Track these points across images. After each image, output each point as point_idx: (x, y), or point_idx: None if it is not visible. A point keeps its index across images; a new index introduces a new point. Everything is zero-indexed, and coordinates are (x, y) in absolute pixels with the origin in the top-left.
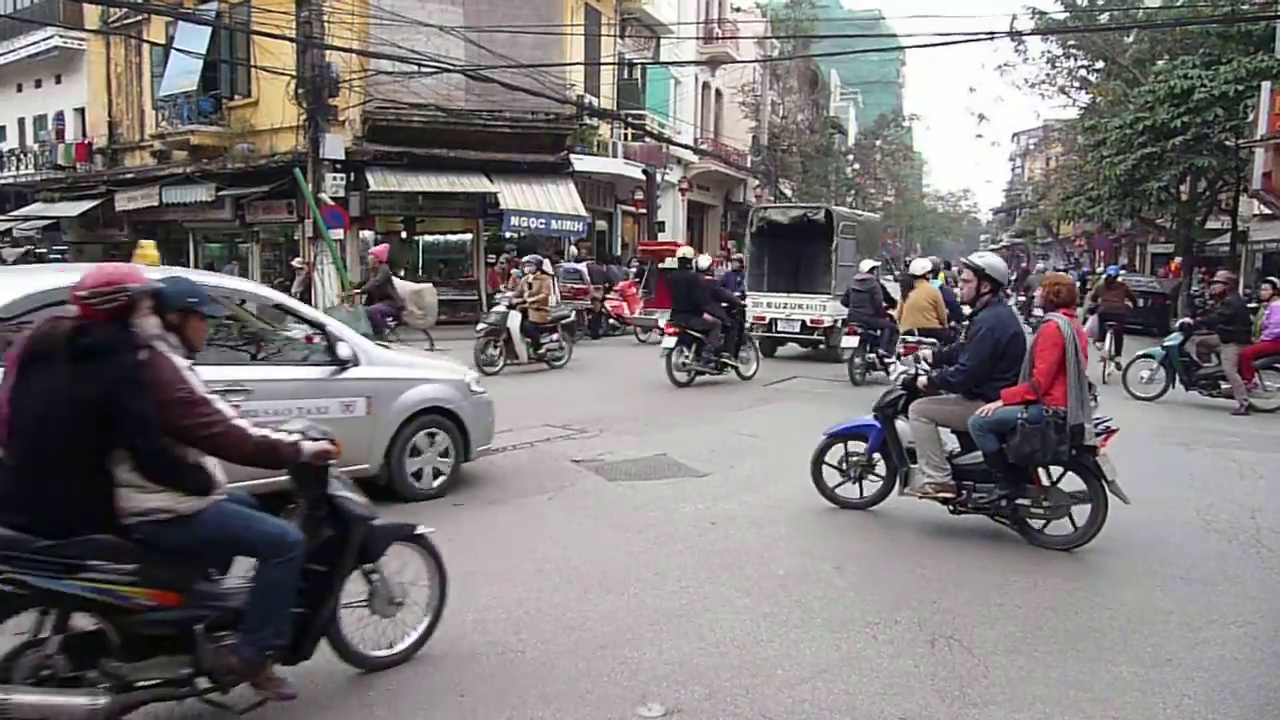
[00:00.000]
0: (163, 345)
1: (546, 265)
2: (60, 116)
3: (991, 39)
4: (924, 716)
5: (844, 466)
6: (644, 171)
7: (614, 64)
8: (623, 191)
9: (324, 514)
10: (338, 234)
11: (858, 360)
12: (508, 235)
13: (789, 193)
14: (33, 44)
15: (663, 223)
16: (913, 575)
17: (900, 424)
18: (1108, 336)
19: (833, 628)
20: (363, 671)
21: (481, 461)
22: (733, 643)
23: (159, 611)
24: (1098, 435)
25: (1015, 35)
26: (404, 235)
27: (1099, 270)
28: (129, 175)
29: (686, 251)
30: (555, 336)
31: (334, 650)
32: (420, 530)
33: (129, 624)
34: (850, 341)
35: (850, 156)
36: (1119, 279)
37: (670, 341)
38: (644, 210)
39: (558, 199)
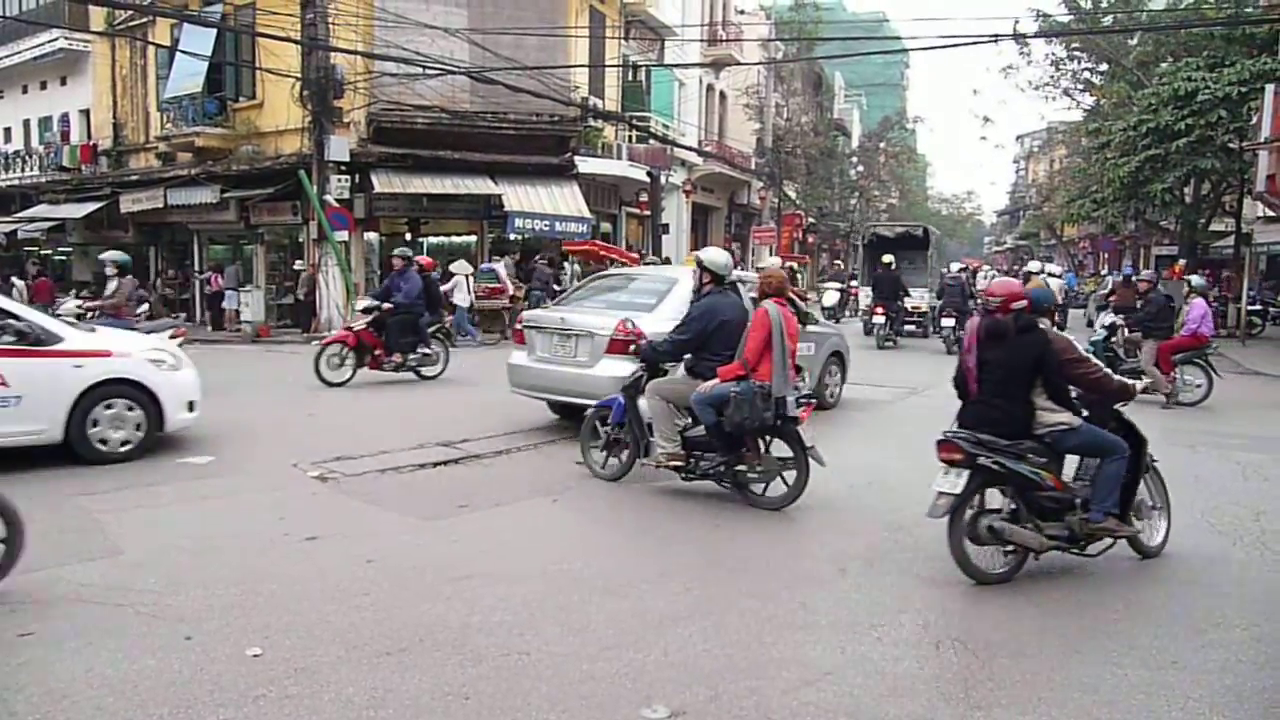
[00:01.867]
0: (1046, 324)
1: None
2: (65, 118)
3: (995, 41)
4: (928, 719)
5: (603, 441)
6: (648, 173)
7: (618, 66)
8: (627, 193)
9: (1124, 432)
10: (342, 236)
11: (951, 336)
12: (512, 237)
13: (793, 195)
14: (38, 46)
15: (667, 224)
16: (917, 577)
17: (642, 401)
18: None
19: (837, 630)
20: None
21: (484, 464)
22: (737, 644)
23: (1053, 491)
24: (799, 407)
25: (1019, 38)
26: (409, 237)
27: (1104, 272)
28: (134, 177)
29: (890, 259)
30: None
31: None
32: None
33: (1034, 498)
34: (948, 321)
35: (854, 158)
36: (1134, 279)
37: (880, 318)
38: (648, 212)
39: (562, 201)
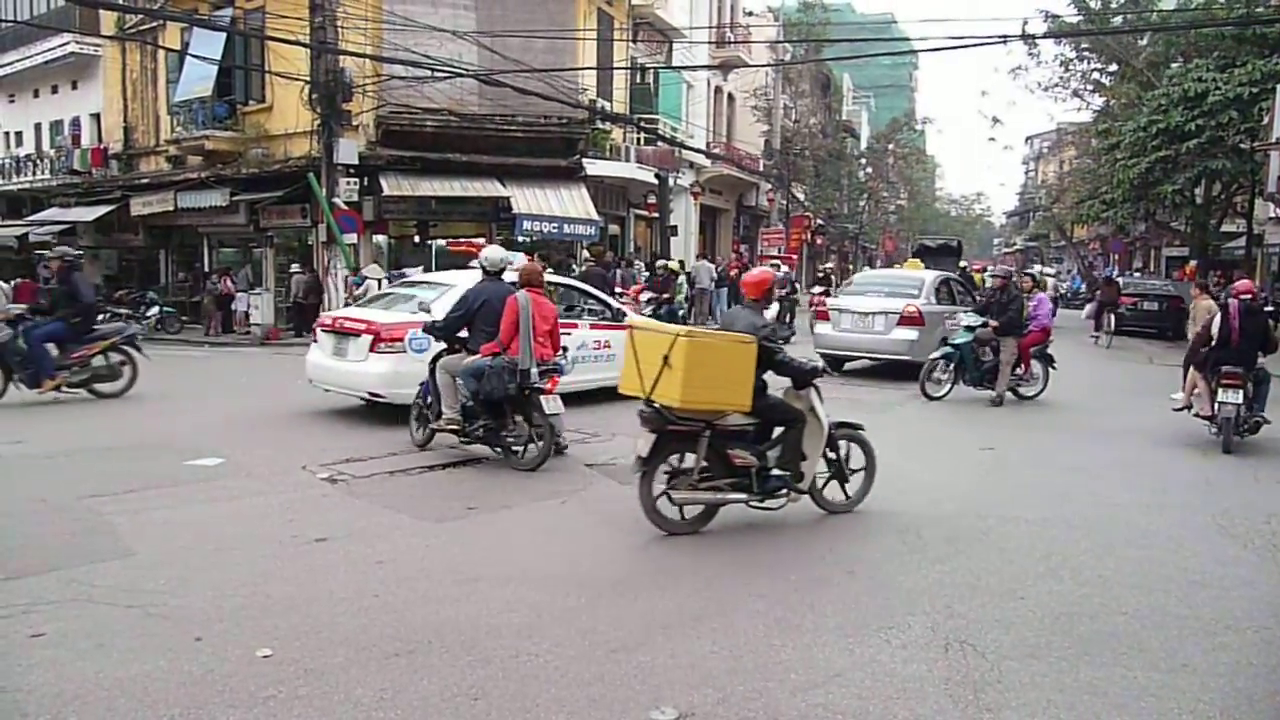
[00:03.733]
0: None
1: None
2: (76, 122)
3: (1005, 42)
4: None
5: (416, 413)
6: (656, 175)
7: (626, 68)
8: (635, 195)
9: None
10: (351, 238)
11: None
12: (520, 239)
13: (801, 197)
14: (49, 50)
15: (675, 227)
16: (926, 580)
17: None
18: (1104, 318)
19: (845, 632)
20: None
21: (493, 466)
22: (745, 647)
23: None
24: (544, 379)
25: (1028, 38)
26: (417, 239)
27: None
28: (144, 180)
29: (965, 264)
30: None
31: None
32: None
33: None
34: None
35: (863, 160)
36: (1115, 278)
37: None
38: (656, 214)
39: (570, 203)
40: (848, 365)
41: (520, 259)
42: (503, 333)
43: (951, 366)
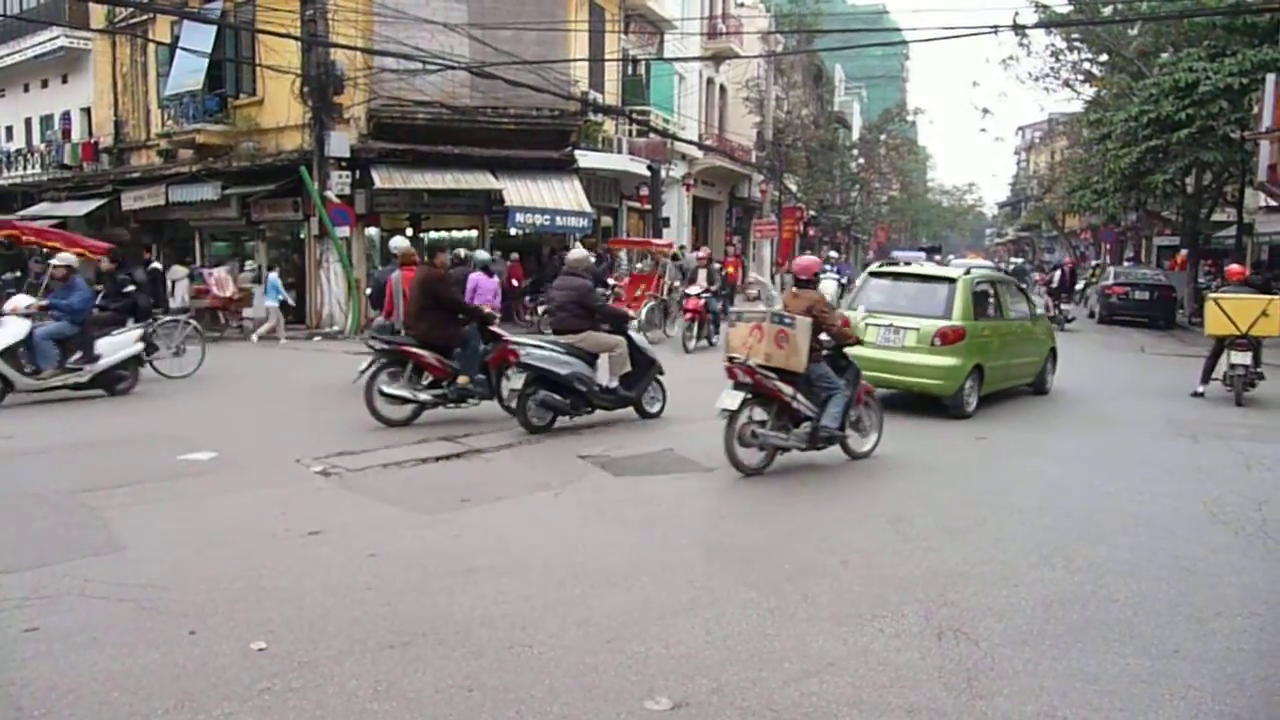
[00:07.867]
0: None
1: None
2: (66, 116)
3: (995, 33)
4: (931, 709)
5: None
6: (649, 167)
7: (618, 60)
8: (627, 187)
9: None
10: (344, 232)
11: None
12: (513, 232)
13: (794, 188)
14: (39, 44)
15: (668, 218)
16: (919, 569)
17: None
18: (1060, 297)
19: (839, 621)
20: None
21: (486, 458)
22: (739, 636)
23: None
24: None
25: (1019, 29)
26: (410, 232)
27: (1095, 262)
28: (135, 174)
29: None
30: None
31: None
32: None
33: None
34: None
35: (855, 151)
36: (1061, 269)
37: None
38: (649, 206)
39: (562, 195)
40: None
41: (400, 244)
42: (386, 303)
43: None
